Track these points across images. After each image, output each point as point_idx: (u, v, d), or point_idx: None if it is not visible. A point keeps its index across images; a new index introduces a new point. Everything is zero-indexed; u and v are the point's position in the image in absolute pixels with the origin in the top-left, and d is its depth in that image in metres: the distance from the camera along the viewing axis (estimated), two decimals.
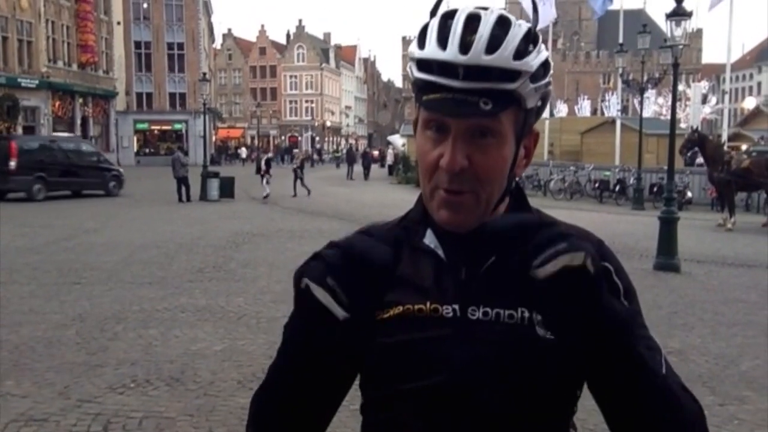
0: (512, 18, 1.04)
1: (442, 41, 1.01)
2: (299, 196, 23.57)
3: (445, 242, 1.10)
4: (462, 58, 0.99)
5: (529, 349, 1.03)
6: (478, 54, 0.99)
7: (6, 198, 20.01)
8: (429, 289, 1.08)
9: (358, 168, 39.01)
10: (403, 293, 1.08)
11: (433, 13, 1.08)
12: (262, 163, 24.50)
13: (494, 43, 1.00)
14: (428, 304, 1.06)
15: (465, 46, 1.00)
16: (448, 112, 1.01)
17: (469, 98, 0.99)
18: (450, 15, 1.04)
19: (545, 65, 1.05)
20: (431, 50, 1.02)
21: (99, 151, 23.81)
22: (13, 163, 19.70)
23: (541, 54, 1.04)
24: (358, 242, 1.07)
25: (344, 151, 51.12)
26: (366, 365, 1.11)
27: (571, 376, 1.06)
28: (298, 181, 24.45)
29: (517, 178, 1.13)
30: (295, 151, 30.15)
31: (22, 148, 20.47)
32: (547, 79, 1.06)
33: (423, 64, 1.03)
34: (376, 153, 50.32)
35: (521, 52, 1.01)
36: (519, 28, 1.03)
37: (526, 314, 1.04)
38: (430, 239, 1.11)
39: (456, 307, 1.06)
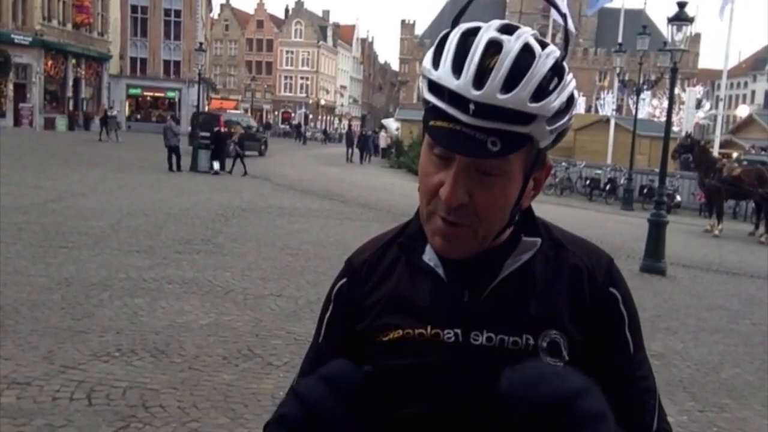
0: (538, 48, 0.94)
1: (457, 67, 0.93)
2: (283, 173, 23.29)
3: (445, 260, 1.05)
4: (474, 94, 0.91)
5: None
6: (492, 91, 0.91)
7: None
8: (429, 312, 1.04)
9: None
10: (403, 316, 1.05)
11: (455, 23, 0.99)
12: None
13: (513, 79, 0.91)
14: (429, 328, 1.03)
15: (480, 78, 0.91)
16: (452, 146, 0.94)
17: (478, 135, 0.92)
18: (472, 33, 0.95)
19: (569, 101, 0.97)
20: (444, 75, 0.94)
21: (258, 125, 34.25)
22: (224, 133, 27.63)
23: (565, 90, 0.96)
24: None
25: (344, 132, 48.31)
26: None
27: None
28: (239, 158, 22.33)
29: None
30: (235, 126, 27.37)
31: (225, 121, 29.49)
32: (567, 117, 0.98)
33: (434, 87, 0.95)
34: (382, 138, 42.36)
35: (541, 92, 0.93)
36: (544, 61, 0.94)
37: (531, 341, 1.01)
38: (429, 256, 1.07)
39: (458, 331, 1.02)
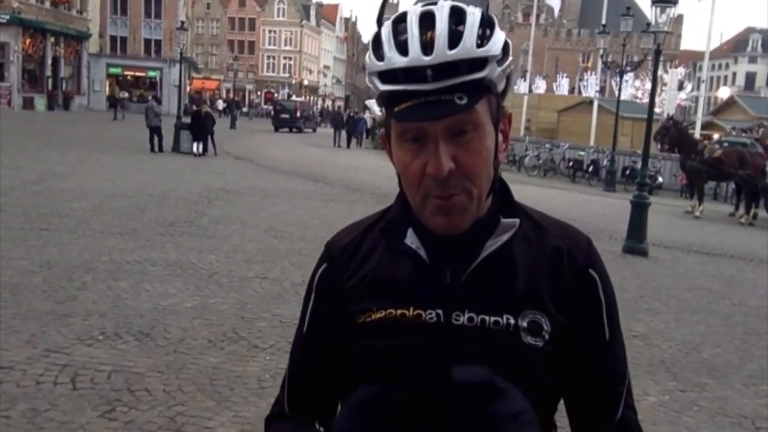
0: (464, 6, 1.01)
1: (401, 47, 0.98)
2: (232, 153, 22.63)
3: (427, 242, 1.06)
4: (426, 59, 0.96)
5: (515, 356, 1.01)
6: (441, 51, 0.96)
7: (279, 131, 41.28)
8: (411, 293, 1.05)
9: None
10: (385, 297, 1.06)
11: (379, 22, 1.03)
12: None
13: (454, 36, 0.97)
14: (411, 309, 1.04)
15: (426, 47, 0.96)
16: (424, 116, 0.97)
17: (443, 97, 0.96)
18: (401, 19, 1.01)
19: (506, 46, 1.02)
20: (392, 59, 0.98)
21: (312, 106, 50.90)
22: (298, 114, 43.01)
23: (499, 35, 1.01)
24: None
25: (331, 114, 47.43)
26: (347, 366, 1.09)
27: (554, 383, 1.06)
28: (209, 137, 21.96)
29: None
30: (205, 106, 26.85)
31: (300, 107, 44.75)
32: (510, 58, 1.03)
33: (386, 76, 0.99)
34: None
35: (482, 39, 0.98)
36: (474, 16, 1.00)
37: (512, 321, 1.02)
38: (411, 239, 1.08)
39: (440, 312, 1.03)
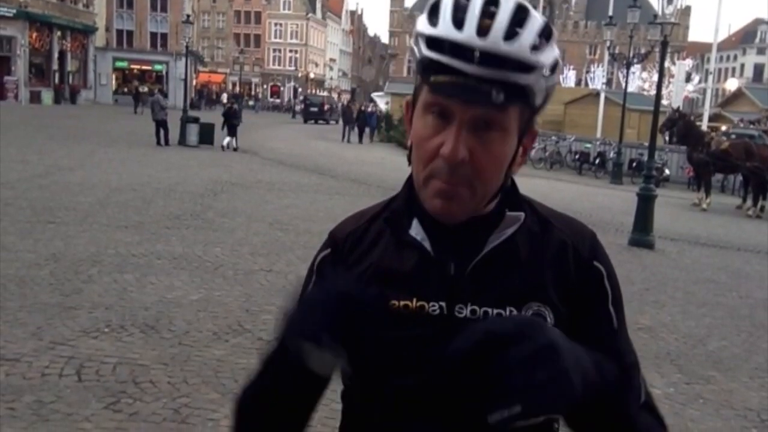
0: (530, 7, 0.99)
1: (458, 21, 0.95)
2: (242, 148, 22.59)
3: (432, 234, 1.05)
4: (479, 42, 0.93)
5: None
6: (496, 40, 0.93)
7: (308, 122, 48.21)
8: (415, 285, 1.04)
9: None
10: (388, 287, 1.04)
11: None
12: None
13: (513, 31, 0.94)
14: (414, 300, 1.03)
15: (483, 30, 0.94)
16: (458, 97, 0.95)
17: (481, 86, 0.93)
18: None
19: (556, 64, 0.99)
20: (445, 29, 0.95)
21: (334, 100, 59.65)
22: (325, 107, 49.86)
23: (554, 50, 0.99)
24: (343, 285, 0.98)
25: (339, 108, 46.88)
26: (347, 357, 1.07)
27: None
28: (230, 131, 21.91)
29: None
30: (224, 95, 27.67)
31: (327, 101, 52.09)
32: (555, 78, 1.00)
33: (434, 43, 0.96)
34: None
35: (538, 45, 0.96)
36: (536, 20, 0.97)
37: (515, 313, 1.02)
38: (416, 230, 1.06)
39: (443, 304, 1.02)
